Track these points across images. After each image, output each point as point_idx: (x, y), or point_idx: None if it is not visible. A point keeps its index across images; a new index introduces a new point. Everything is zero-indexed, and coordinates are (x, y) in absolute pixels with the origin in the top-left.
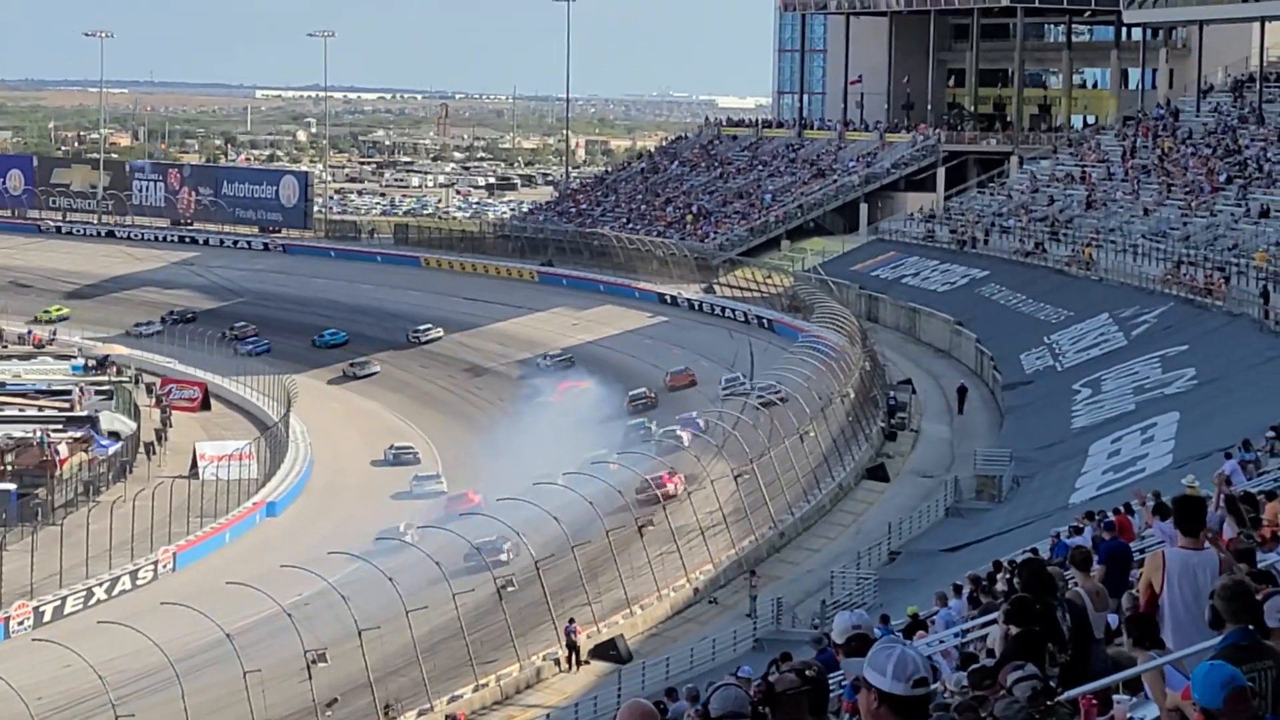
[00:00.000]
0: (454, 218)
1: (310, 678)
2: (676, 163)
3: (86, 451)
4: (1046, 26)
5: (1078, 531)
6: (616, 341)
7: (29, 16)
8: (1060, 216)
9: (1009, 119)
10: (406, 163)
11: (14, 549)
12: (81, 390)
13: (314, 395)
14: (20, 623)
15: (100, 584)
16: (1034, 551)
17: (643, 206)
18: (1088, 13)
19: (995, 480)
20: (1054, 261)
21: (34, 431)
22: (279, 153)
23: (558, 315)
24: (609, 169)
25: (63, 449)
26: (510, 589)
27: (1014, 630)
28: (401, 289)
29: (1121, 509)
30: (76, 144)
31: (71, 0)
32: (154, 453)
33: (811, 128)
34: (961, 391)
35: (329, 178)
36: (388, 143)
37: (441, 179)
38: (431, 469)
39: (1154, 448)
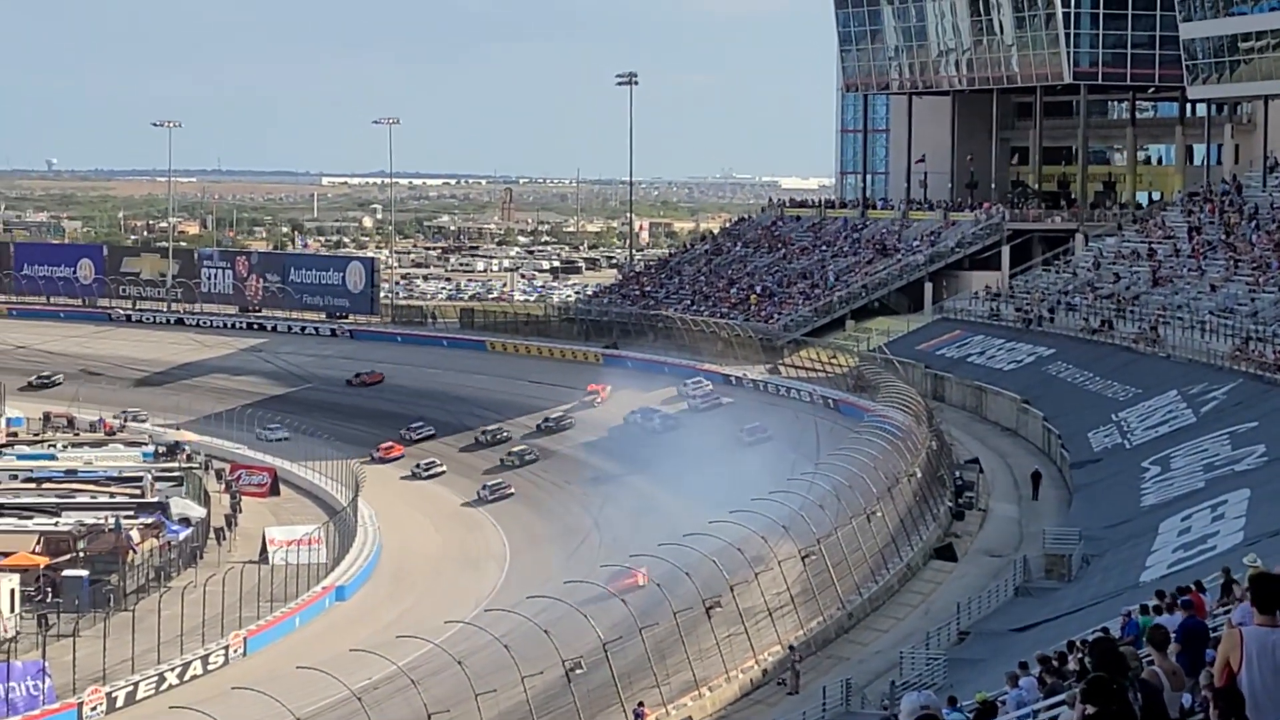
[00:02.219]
0: (519, 301)
1: None
2: (740, 244)
3: (158, 537)
4: (1110, 103)
5: (1159, 611)
6: (683, 423)
7: (98, 108)
8: (1126, 293)
9: (1073, 196)
10: (471, 247)
11: (87, 634)
12: (152, 477)
13: (382, 480)
14: (93, 708)
15: (172, 669)
16: (1105, 631)
17: (706, 288)
18: (1152, 89)
19: (1065, 559)
20: (1121, 339)
21: (106, 518)
22: (345, 239)
23: (622, 397)
24: (673, 251)
25: (134, 535)
26: (579, 671)
27: (1090, 710)
28: (467, 373)
29: (1193, 587)
30: (145, 233)
31: (139, 91)
32: (224, 538)
33: (875, 207)
34: (1036, 477)
35: (395, 263)
36: (453, 228)
37: (506, 263)
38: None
39: (1224, 525)
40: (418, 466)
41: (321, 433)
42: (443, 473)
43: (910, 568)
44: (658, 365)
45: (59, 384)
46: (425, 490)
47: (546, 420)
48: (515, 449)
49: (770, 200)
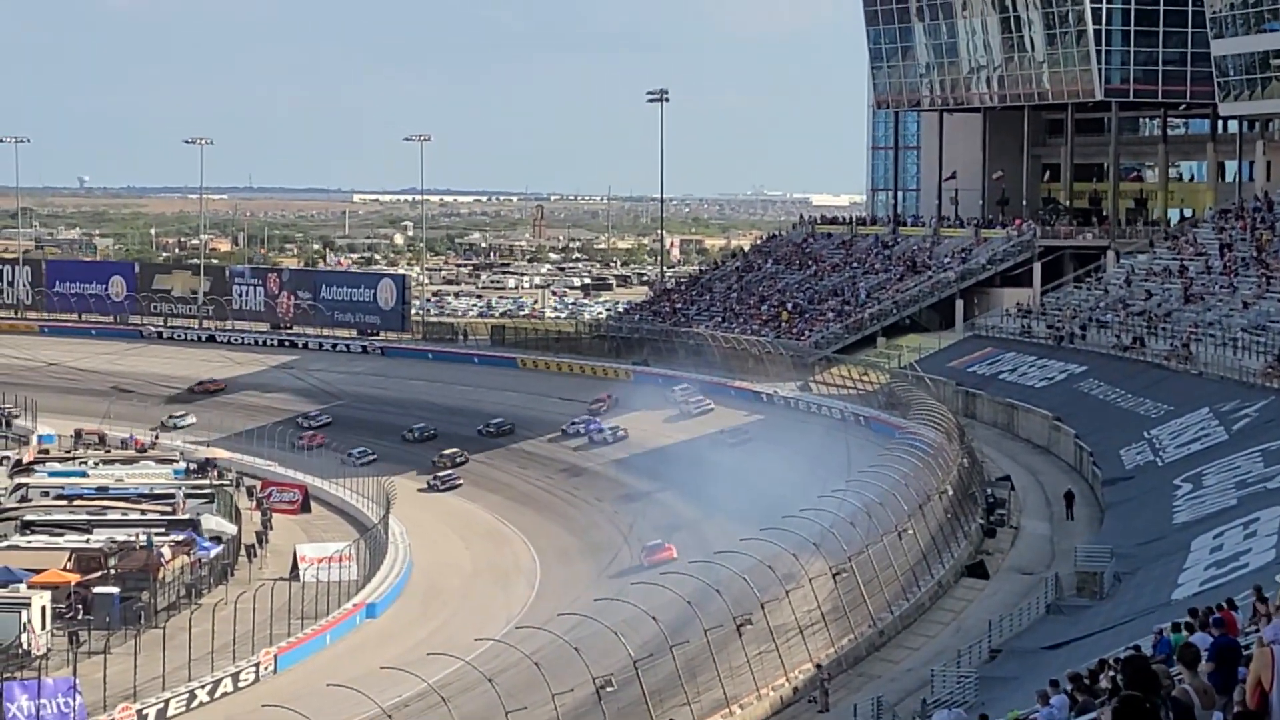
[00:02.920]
0: (550, 318)
1: None
2: (771, 261)
3: (189, 555)
4: (1141, 120)
5: (1190, 629)
6: (713, 440)
7: (130, 125)
8: (1158, 310)
9: (1105, 213)
10: (503, 264)
11: (117, 651)
12: (183, 494)
13: (413, 497)
14: None
15: (203, 686)
16: (1136, 649)
17: (737, 305)
18: (1183, 106)
19: (1096, 577)
20: (1153, 356)
21: (137, 535)
22: (376, 256)
23: (654, 415)
24: (704, 268)
25: (165, 552)
26: (609, 689)
27: None
28: (498, 390)
29: (1225, 604)
30: (177, 250)
31: (171, 109)
32: (255, 555)
33: (906, 224)
34: (1069, 497)
35: (426, 280)
36: (484, 245)
37: (537, 280)
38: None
39: (1257, 543)
40: (435, 479)
41: (353, 449)
42: (459, 485)
43: (941, 585)
44: (689, 382)
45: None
46: (455, 506)
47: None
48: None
49: (801, 217)
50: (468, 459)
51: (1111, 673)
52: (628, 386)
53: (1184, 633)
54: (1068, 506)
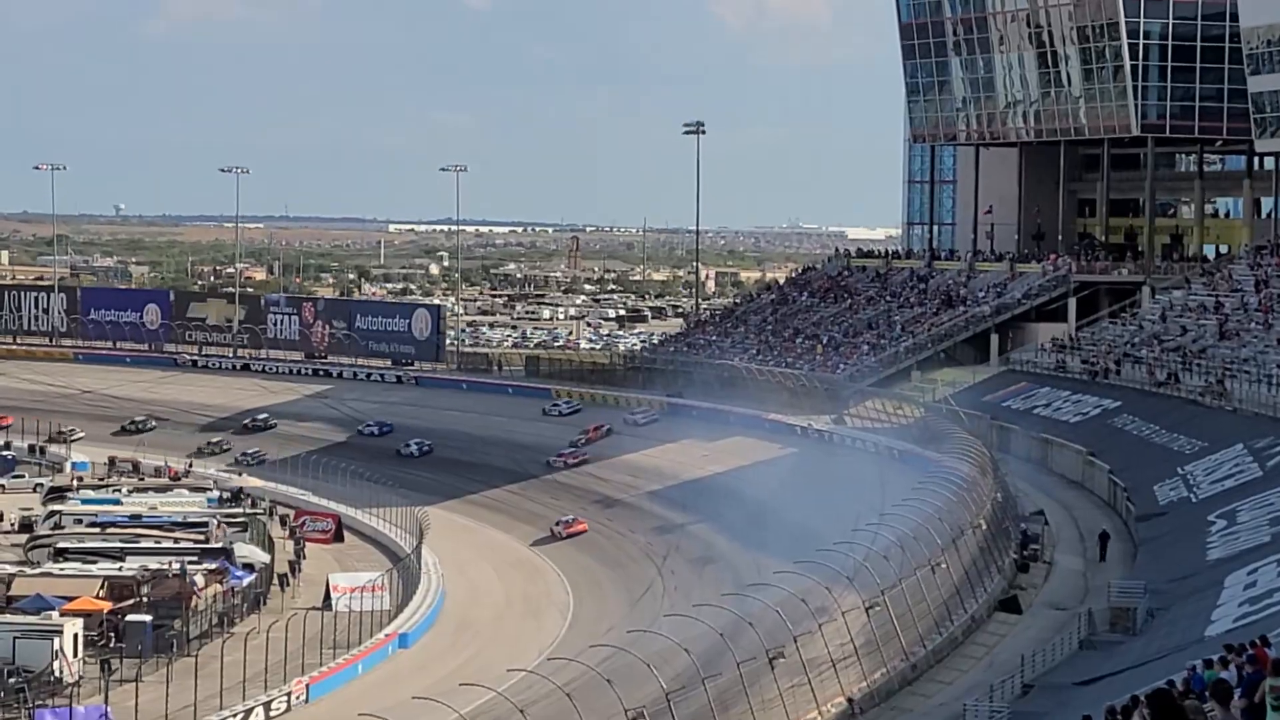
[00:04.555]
0: (584, 349)
1: None
2: (806, 294)
3: (221, 583)
4: (1178, 156)
5: (1224, 665)
6: (746, 473)
7: (166, 153)
8: (1193, 347)
9: (1140, 249)
10: (538, 295)
11: (150, 680)
12: (217, 522)
13: (446, 526)
14: None
15: (234, 715)
16: (1170, 684)
17: (772, 337)
18: (1219, 142)
19: (1130, 613)
20: (1187, 392)
21: (170, 563)
22: (412, 286)
23: (688, 447)
24: (739, 300)
25: (198, 580)
26: None
27: None
28: (532, 420)
29: (1258, 641)
30: (212, 278)
31: (208, 137)
32: (287, 584)
33: (941, 258)
34: (1104, 537)
35: (461, 310)
36: (519, 275)
37: (572, 311)
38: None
39: None
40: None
41: (386, 479)
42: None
43: (974, 620)
44: (723, 414)
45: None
46: (488, 537)
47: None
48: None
49: (836, 250)
50: None
51: (1143, 710)
52: (663, 418)
53: (1216, 669)
54: (1101, 547)
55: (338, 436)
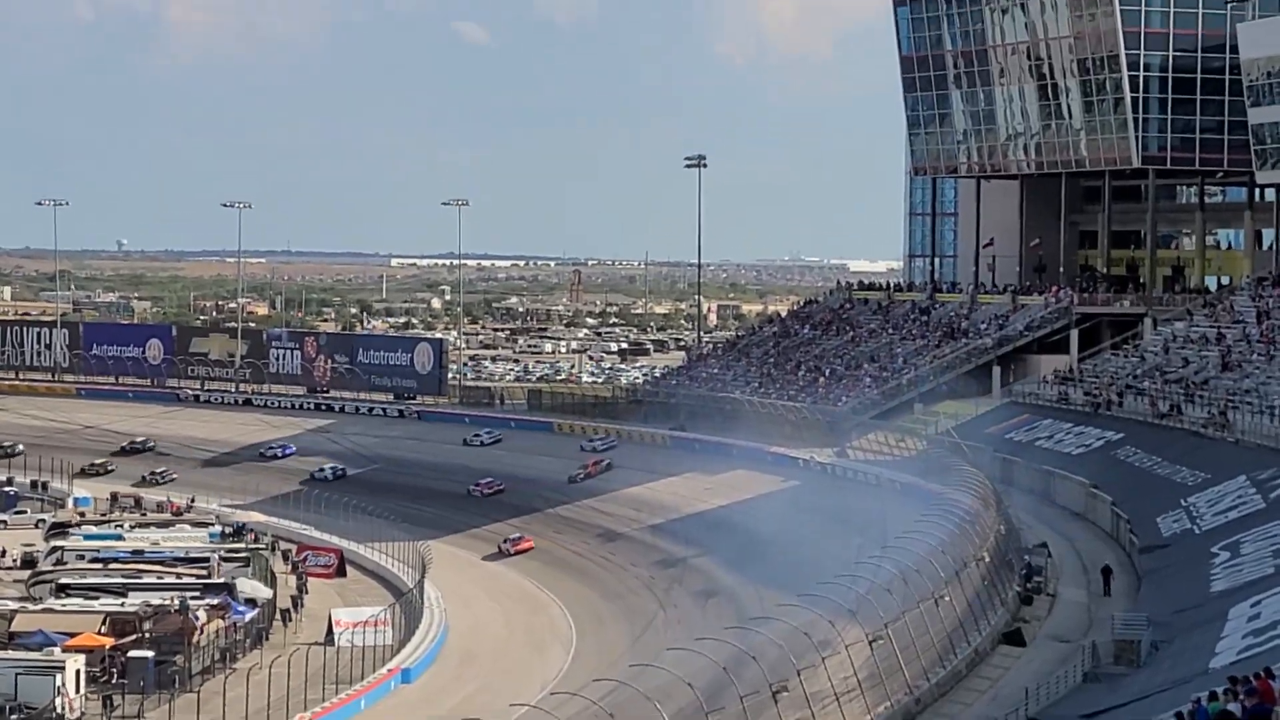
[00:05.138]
0: (586, 383)
1: None
2: (808, 326)
3: (223, 618)
4: (1179, 188)
5: (1230, 697)
6: (749, 506)
7: (168, 188)
8: (1195, 378)
9: (1142, 280)
10: (540, 329)
11: (152, 716)
12: (219, 558)
13: (449, 561)
14: None
15: None
16: (1178, 717)
17: (774, 370)
18: (1220, 174)
19: (1134, 645)
20: (1190, 423)
21: (172, 598)
22: (414, 320)
23: (690, 480)
24: (740, 333)
25: (201, 616)
26: None
27: None
28: (534, 454)
29: (1262, 673)
30: (214, 313)
31: (209, 172)
32: (290, 619)
33: (943, 290)
34: (1106, 572)
35: (463, 344)
36: (521, 309)
37: (574, 344)
38: None
39: None
40: (505, 541)
41: (389, 514)
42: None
43: (978, 653)
44: (725, 447)
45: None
46: (490, 570)
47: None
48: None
49: (838, 283)
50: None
51: None
52: (664, 451)
53: (1221, 701)
54: (1105, 582)
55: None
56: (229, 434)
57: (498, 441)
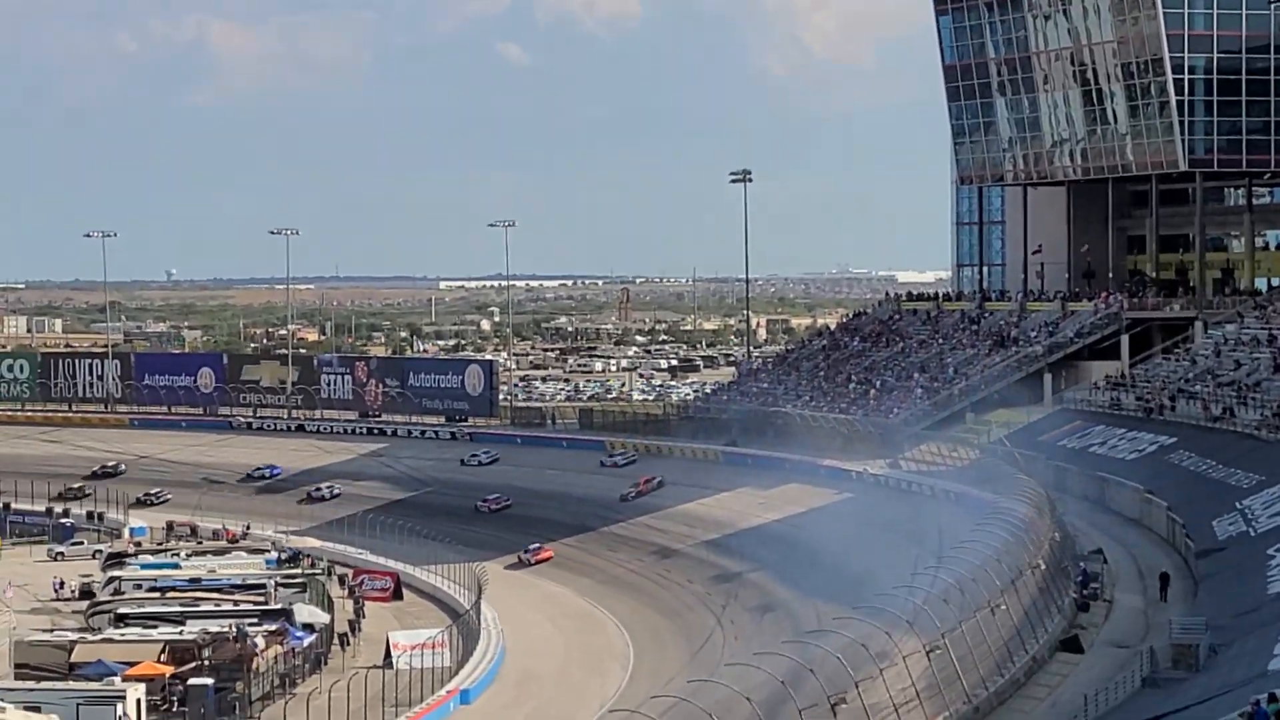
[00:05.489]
0: (637, 400)
1: None
2: (858, 339)
3: (282, 644)
4: (1226, 190)
5: None
6: (803, 520)
7: (216, 217)
8: (1247, 380)
9: (1192, 284)
10: (589, 348)
11: None
12: (275, 584)
13: (505, 582)
14: None
15: None
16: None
17: (825, 383)
18: (1267, 174)
19: (1192, 649)
20: (1243, 426)
21: (230, 626)
22: (463, 342)
23: (743, 495)
24: (790, 347)
25: (259, 642)
26: None
27: None
28: (587, 473)
29: None
30: (265, 340)
31: (257, 200)
32: (348, 643)
33: (992, 299)
34: (1164, 578)
35: (513, 365)
36: (570, 328)
37: (624, 363)
38: None
39: None
40: (525, 552)
41: (444, 537)
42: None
43: (1036, 661)
44: (778, 461)
45: (122, 471)
46: (546, 590)
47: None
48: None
49: (887, 294)
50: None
51: None
52: (717, 467)
53: None
54: (1162, 588)
55: (395, 495)
56: (282, 460)
57: (632, 463)
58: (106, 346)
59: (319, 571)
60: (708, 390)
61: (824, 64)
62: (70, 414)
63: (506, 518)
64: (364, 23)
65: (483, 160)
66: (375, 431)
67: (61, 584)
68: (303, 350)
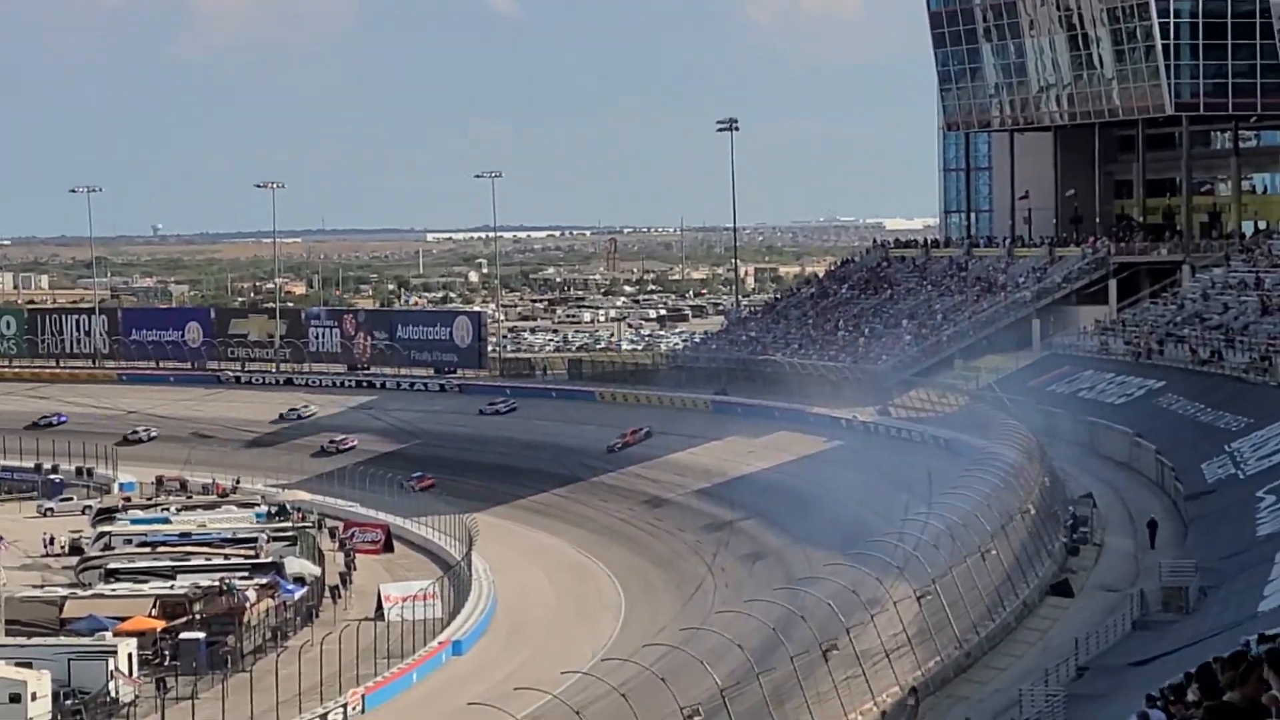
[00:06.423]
0: (626, 350)
1: None
2: (846, 286)
3: (273, 598)
4: (1213, 133)
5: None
6: (793, 468)
7: (201, 172)
8: (1235, 323)
9: (1179, 228)
10: (578, 298)
11: (205, 696)
12: (266, 537)
13: (495, 532)
14: None
15: None
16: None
17: (813, 331)
18: (1254, 118)
19: (1182, 592)
20: (1231, 369)
21: (221, 579)
22: (451, 294)
23: (733, 443)
24: (778, 295)
25: (250, 595)
26: (697, 719)
27: None
28: (577, 424)
29: None
30: (252, 294)
31: (242, 154)
32: (339, 596)
33: (980, 245)
34: (1152, 525)
35: (502, 317)
36: (558, 279)
37: (612, 313)
38: None
39: None
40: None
41: (434, 488)
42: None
43: (1026, 605)
44: (767, 410)
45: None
46: (537, 541)
47: None
48: None
49: (875, 241)
50: None
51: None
52: (706, 416)
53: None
54: (1151, 535)
55: (384, 447)
56: (271, 414)
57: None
58: (93, 302)
59: (309, 525)
60: (696, 339)
61: (810, 13)
62: (58, 370)
63: (497, 468)
64: None
65: (469, 111)
66: (364, 384)
67: (51, 540)
68: (290, 304)
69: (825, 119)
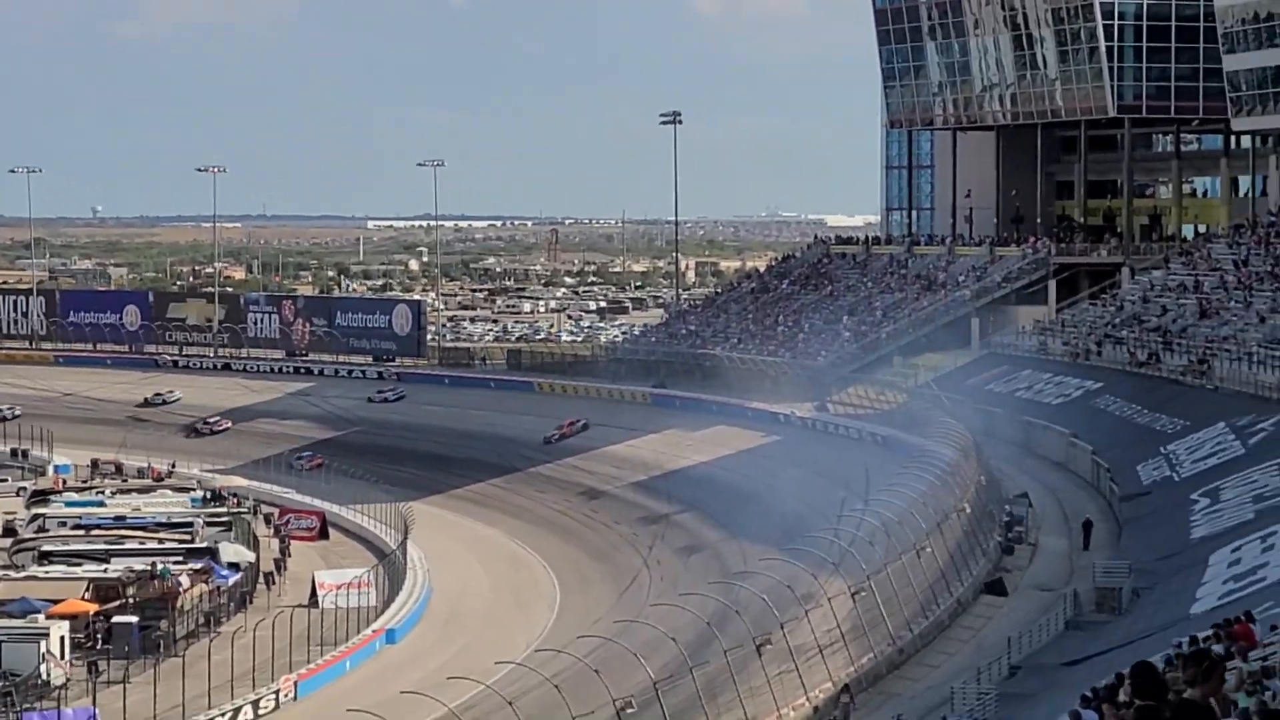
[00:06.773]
0: (566, 342)
1: None
2: (786, 282)
3: (207, 583)
4: (1155, 136)
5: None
6: (730, 462)
7: (142, 155)
8: (1174, 326)
9: (1119, 230)
10: (518, 289)
11: (137, 681)
12: (201, 522)
13: (431, 522)
14: None
15: (223, 714)
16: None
17: (753, 326)
18: (1195, 122)
19: (1115, 593)
20: (1169, 371)
21: (154, 564)
22: (391, 282)
23: (671, 436)
24: (719, 290)
25: (184, 580)
26: (630, 711)
27: None
28: (515, 414)
29: (1243, 617)
30: (191, 278)
31: (184, 137)
32: (273, 582)
33: (921, 243)
34: (1087, 526)
35: (441, 306)
36: (499, 269)
37: (553, 304)
38: None
39: (1274, 556)
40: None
41: (370, 476)
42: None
43: (961, 603)
44: (705, 404)
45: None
46: (473, 531)
47: None
48: None
49: (816, 238)
50: None
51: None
52: (644, 408)
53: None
54: (1085, 536)
55: (321, 434)
56: (208, 399)
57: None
58: (31, 283)
59: (244, 510)
60: (636, 332)
61: (757, 7)
62: None
63: (433, 457)
64: None
65: (413, 99)
66: (302, 370)
67: None
68: (229, 289)
69: (769, 114)
